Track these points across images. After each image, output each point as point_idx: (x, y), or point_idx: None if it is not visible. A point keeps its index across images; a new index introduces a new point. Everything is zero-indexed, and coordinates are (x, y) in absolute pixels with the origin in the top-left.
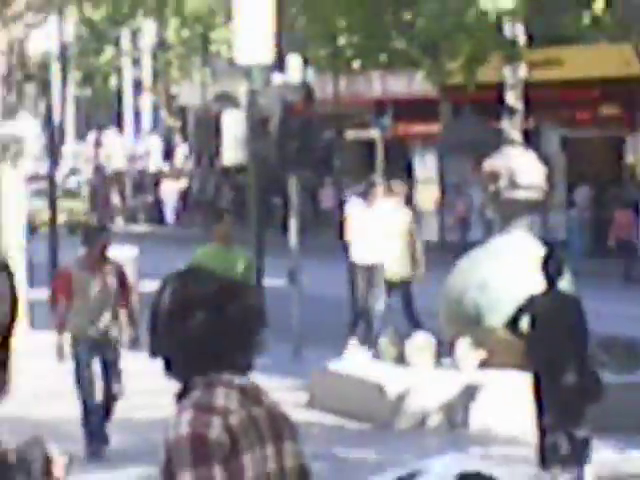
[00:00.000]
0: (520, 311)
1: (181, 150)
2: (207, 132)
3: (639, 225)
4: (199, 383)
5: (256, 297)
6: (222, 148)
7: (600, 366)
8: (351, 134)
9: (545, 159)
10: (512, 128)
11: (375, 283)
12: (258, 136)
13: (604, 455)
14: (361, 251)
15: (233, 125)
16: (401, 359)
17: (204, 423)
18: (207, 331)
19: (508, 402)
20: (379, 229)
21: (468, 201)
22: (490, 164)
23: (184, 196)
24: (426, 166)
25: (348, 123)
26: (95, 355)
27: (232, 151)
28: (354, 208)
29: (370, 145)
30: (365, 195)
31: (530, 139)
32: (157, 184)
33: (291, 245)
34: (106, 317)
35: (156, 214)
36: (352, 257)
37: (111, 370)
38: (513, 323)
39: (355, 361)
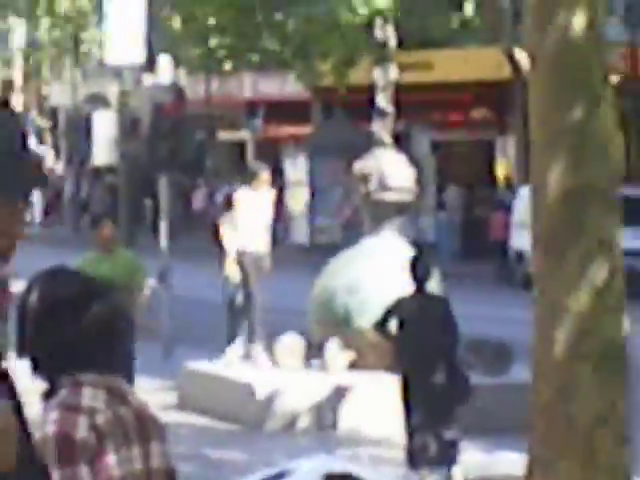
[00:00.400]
0: (388, 313)
1: (51, 151)
2: (78, 133)
3: (510, 227)
4: (66, 383)
5: (121, 298)
6: (93, 149)
7: (469, 368)
8: (223, 135)
9: (415, 162)
10: (382, 130)
11: (262, 272)
12: (129, 137)
13: (472, 456)
14: (250, 239)
15: (104, 126)
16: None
17: (70, 422)
18: (73, 331)
19: (377, 404)
20: (263, 217)
21: (354, 204)
22: (360, 166)
23: (53, 197)
24: (296, 168)
25: (220, 124)
26: None
27: (103, 152)
28: (243, 195)
29: (241, 146)
30: (250, 184)
31: (400, 142)
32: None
33: (161, 246)
34: None
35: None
36: (242, 246)
37: None
38: (382, 325)
39: (224, 362)
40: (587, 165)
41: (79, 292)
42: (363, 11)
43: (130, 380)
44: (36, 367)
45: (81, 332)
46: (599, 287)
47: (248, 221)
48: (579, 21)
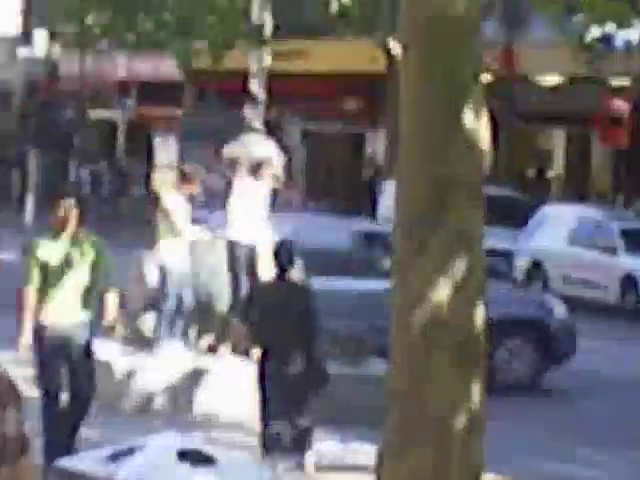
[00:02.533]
0: (250, 298)
1: None
2: None
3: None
4: None
5: None
6: None
7: (328, 357)
8: (94, 113)
9: (286, 150)
10: (254, 117)
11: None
12: (0, 110)
13: (326, 445)
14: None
15: None
16: (130, 339)
17: None
18: None
19: (234, 388)
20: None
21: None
22: (230, 151)
23: None
24: (167, 150)
25: (92, 102)
26: None
27: None
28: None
29: (112, 126)
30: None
31: (272, 129)
32: None
33: (27, 220)
34: None
35: None
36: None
37: None
38: (243, 310)
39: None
40: (452, 156)
41: None
42: None
43: None
44: None
45: None
46: (458, 278)
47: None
48: (453, 10)
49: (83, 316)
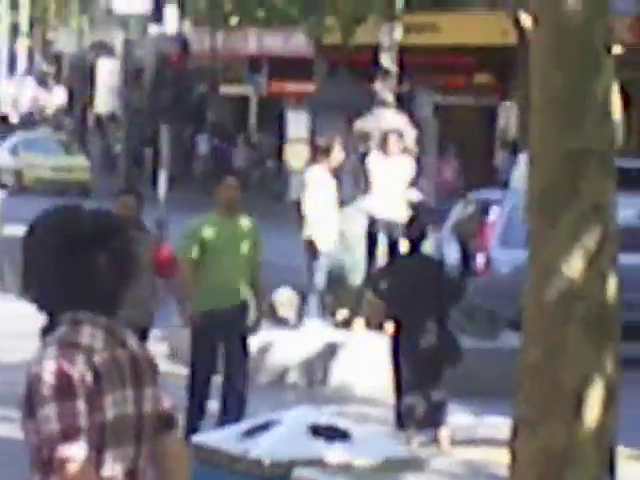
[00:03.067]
0: (383, 272)
1: (56, 96)
2: (81, 80)
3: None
4: (66, 320)
5: (134, 239)
6: (95, 96)
7: (460, 331)
8: (225, 89)
9: (417, 123)
10: (385, 90)
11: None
12: (132, 86)
13: (460, 419)
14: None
15: (108, 74)
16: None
17: (69, 359)
18: (85, 268)
19: (368, 362)
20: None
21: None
22: (361, 125)
23: None
24: (298, 125)
25: (223, 78)
26: None
27: (105, 100)
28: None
29: (244, 101)
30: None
31: (403, 103)
32: (31, 124)
33: (160, 196)
34: None
35: None
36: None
37: None
38: (375, 284)
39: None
40: (586, 128)
41: (94, 230)
42: None
43: (147, 323)
44: (38, 302)
45: (92, 270)
46: (592, 251)
47: (379, 187)
48: None
49: (243, 297)
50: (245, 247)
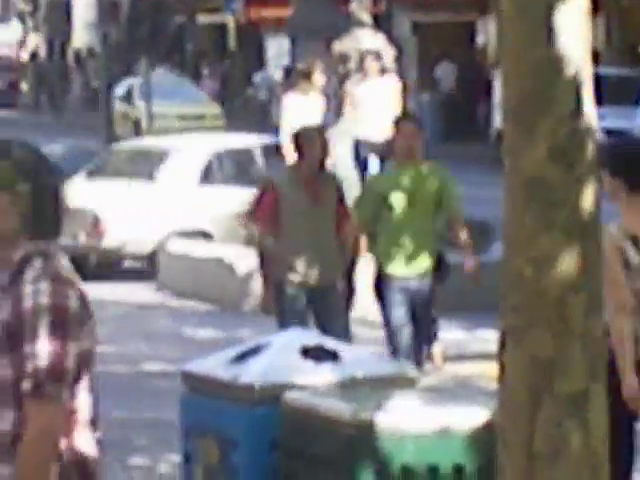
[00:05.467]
0: (367, 192)
1: (34, 36)
2: (59, 16)
3: (491, 109)
4: (34, 252)
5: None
6: (73, 32)
7: (449, 246)
8: (202, 18)
9: (396, 43)
10: (361, 11)
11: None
12: (108, 20)
13: (451, 334)
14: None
15: (84, 9)
16: (252, 241)
17: (63, 294)
18: (38, 198)
19: (358, 283)
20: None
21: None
22: (340, 46)
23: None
24: (279, 50)
25: (200, 7)
26: None
27: (83, 35)
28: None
29: (222, 29)
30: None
31: (380, 23)
32: (11, 69)
33: (143, 127)
34: None
35: (8, 99)
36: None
37: None
38: (361, 206)
39: (203, 242)
40: (559, 35)
41: (34, 161)
42: None
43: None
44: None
45: (46, 199)
46: (569, 158)
47: (362, 109)
48: None
49: (429, 264)
50: (430, 204)
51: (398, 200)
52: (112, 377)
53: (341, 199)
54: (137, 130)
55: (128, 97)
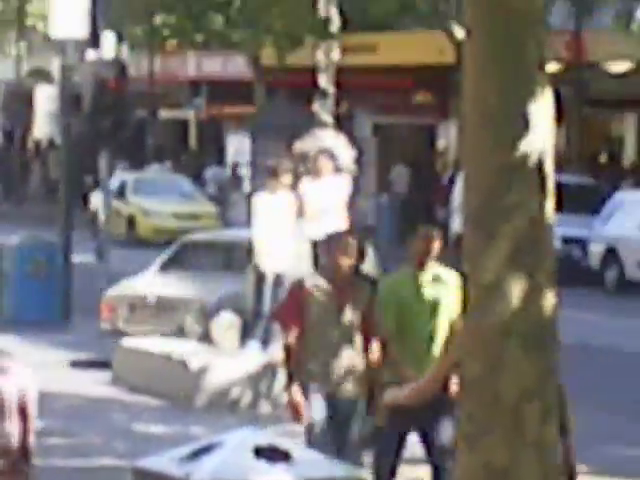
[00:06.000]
0: None
1: None
2: (20, 106)
3: (450, 213)
4: None
5: None
6: (34, 123)
7: None
8: (165, 113)
9: (357, 143)
10: (324, 112)
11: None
12: (70, 112)
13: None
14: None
15: (46, 100)
16: (206, 338)
17: None
18: None
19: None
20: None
21: None
22: (301, 145)
23: None
24: (239, 147)
25: (162, 102)
26: None
27: (44, 126)
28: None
29: (184, 125)
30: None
31: (342, 124)
32: None
33: (100, 222)
34: None
35: None
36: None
37: None
38: None
39: (159, 339)
40: (519, 142)
41: None
42: None
43: None
44: None
45: None
46: (529, 266)
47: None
48: None
49: None
50: (447, 307)
51: (417, 303)
52: (64, 471)
53: (371, 309)
54: (130, 226)
55: (121, 192)
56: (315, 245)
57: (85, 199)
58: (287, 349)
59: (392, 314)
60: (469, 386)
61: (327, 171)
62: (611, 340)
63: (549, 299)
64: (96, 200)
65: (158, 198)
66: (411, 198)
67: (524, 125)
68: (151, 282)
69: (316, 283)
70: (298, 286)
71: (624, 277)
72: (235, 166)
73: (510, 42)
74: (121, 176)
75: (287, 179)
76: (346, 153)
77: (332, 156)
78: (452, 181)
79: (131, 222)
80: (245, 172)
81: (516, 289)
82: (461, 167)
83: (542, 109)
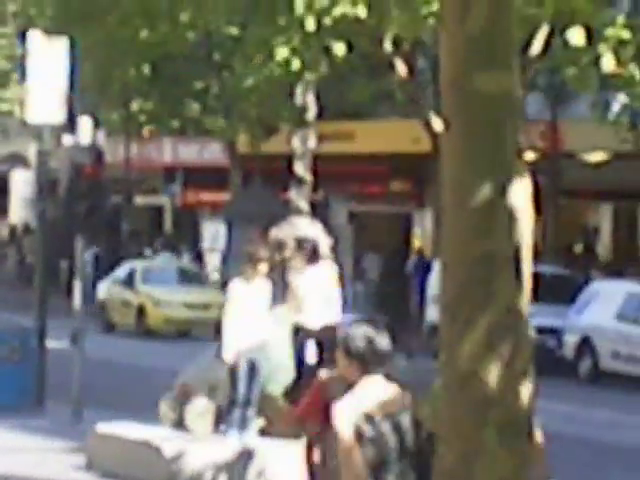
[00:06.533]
0: (297, 380)
1: None
2: None
3: (423, 301)
4: None
5: None
6: (10, 208)
7: None
8: (140, 199)
9: (332, 231)
10: (300, 198)
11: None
12: (46, 197)
13: None
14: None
15: (22, 185)
16: (180, 424)
17: None
18: None
19: (283, 469)
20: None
21: None
22: (276, 233)
23: None
24: (214, 234)
25: (138, 188)
26: None
27: (20, 211)
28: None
29: (159, 211)
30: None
31: (318, 211)
32: None
33: (75, 307)
34: None
35: None
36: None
37: None
38: (290, 392)
39: (132, 424)
40: (496, 232)
41: None
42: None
43: None
44: None
45: None
46: (506, 355)
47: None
48: (493, 87)
49: None
50: None
51: None
52: None
53: None
54: (140, 316)
55: (129, 281)
56: (297, 332)
57: (69, 287)
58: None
59: None
60: (444, 476)
61: (310, 260)
62: (585, 431)
63: (526, 387)
64: (104, 290)
65: (168, 287)
66: (383, 286)
67: (503, 214)
68: None
69: (336, 382)
70: (321, 384)
71: (598, 367)
72: (198, 253)
73: (488, 129)
74: (130, 264)
75: (264, 267)
76: (324, 240)
77: (314, 245)
78: (419, 268)
79: (141, 312)
80: (209, 259)
81: (492, 378)
82: (438, 256)
83: (521, 197)
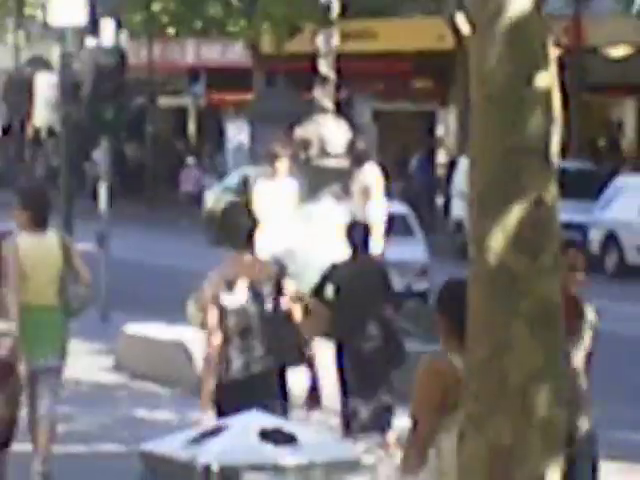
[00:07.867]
0: (325, 279)
1: None
2: (19, 95)
3: (450, 199)
4: None
5: None
6: (34, 111)
7: (406, 335)
8: (164, 101)
9: (357, 130)
10: (324, 97)
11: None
12: (70, 100)
13: (407, 422)
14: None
15: (45, 88)
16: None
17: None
18: None
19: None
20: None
21: None
22: (301, 132)
23: None
24: (238, 134)
25: (161, 90)
26: None
27: (43, 114)
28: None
29: (183, 112)
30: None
31: (342, 110)
32: None
33: (100, 210)
34: None
35: None
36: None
37: None
38: (318, 291)
39: (161, 325)
40: (525, 126)
41: None
42: None
43: None
44: None
45: None
46: (535, 247)
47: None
48: None
49: None
50: None
51: None
52: (66, 457)
53: None
54: None
55: (243, 188)
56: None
57: (94, 192)
58: None
59: None
60: (475, 368)
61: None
62: (612, 325)
63: (554, 281)
64: (212, 199)
65: None
66: (416, 185)
67: (531, 107)
68: None
69: None
70: None
71: (624, 262)
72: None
73: (515, 29)
74: (241, 171)
75: (282, 164)
76: (341, 139)
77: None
78: (451, 167)
79: None
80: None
81: (521, 270)
82: (465, 152)
83: (549, 91)
